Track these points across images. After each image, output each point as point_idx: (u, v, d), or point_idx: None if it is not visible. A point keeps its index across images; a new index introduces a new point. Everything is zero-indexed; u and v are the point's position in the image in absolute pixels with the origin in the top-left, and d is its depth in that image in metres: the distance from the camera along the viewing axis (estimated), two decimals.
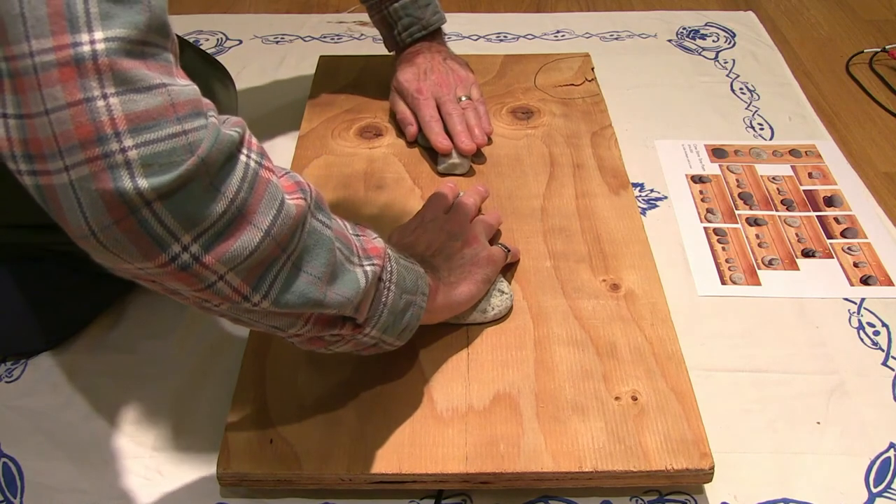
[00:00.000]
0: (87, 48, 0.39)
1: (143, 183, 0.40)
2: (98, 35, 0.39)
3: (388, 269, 0.60)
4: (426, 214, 0.77)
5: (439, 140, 0.91)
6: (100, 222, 0.41)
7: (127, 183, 0.40)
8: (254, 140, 0.49)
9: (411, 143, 0.96)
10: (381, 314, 0.59)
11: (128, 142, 0.40)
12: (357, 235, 0.59)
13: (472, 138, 0.91)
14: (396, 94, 0.97)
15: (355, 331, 0.59)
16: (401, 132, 0.97)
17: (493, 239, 0.80)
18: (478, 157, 0.94)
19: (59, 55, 0.39)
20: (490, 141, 0.96)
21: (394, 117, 0.98)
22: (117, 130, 0.40)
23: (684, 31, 1.30)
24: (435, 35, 0.99)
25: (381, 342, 0.62)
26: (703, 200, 0.95)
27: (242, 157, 0.46)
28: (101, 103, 0.40)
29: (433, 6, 0.97)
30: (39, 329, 0.77)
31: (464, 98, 0.95)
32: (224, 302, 0.49)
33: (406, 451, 0.63)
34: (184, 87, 0.44)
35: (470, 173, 0.91)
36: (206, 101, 0.45)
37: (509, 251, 0.76)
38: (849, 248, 0.89)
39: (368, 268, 0.57)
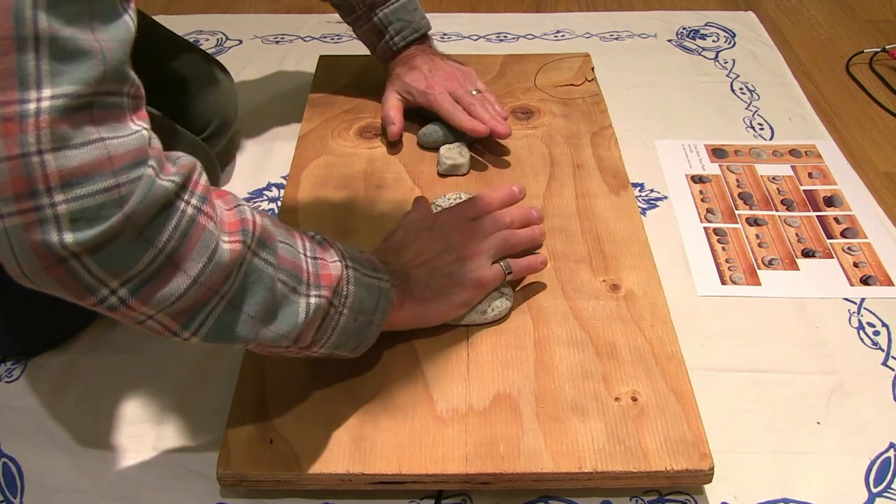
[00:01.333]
0: (32, 106, 0.41)
1: (68, 238, 0.43)
2: (46, 93, 0.41)
3: (343, 293, 0.60)
4: (441, 218, 0.74)
5: (472, 123, 0.91)
6: (31, 268, 0.44)
7: (54, 237, 0.42)
8: (201, 181, 0.50)
9: (393, 144, 0.95)
10: (329, 337, 0.60)
11: (58, 197, 0.42)
12: (314, 259, 0.59)
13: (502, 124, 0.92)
14: (395, 94, 0.96)
15: (302, 350, 0.60)
16: (402, 131, 0.97)
17: (523, 253, 0.76)
18: (497, 153, 0.94)
19: (5, 111, 0.40)
20: None
21: None
22: (49, 185, 0.42)
23: (684, 31, 1.30)
24: (425, 39, 0.98)
25: (333, 355, 0.63)
26: (703, 200, 0.95)
27: (180, 205, 0.48)
28: (35, 159, 0.41)
29: (420, 11, 0.97)
30: (39, 329, 0.77)
31: (474, 92, 0.95)
32: (157, 335, 0.51)
33: (406, 452, 0.63)
34: (128, 136, 0.45)
35: (469, 174, 0.91)
36: (152, 146, 0.47)
37: (510, 273, 0.73)
38: (849, 248, 0.89)
39: (313, 299, 0.57)
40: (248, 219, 0.53)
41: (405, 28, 0.95)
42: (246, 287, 0.52)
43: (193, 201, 0.49)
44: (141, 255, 0.46)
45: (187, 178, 0.48)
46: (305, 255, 0.58)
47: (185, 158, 0.50)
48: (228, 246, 0.51)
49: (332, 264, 0.60)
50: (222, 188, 0.55)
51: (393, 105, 0.96)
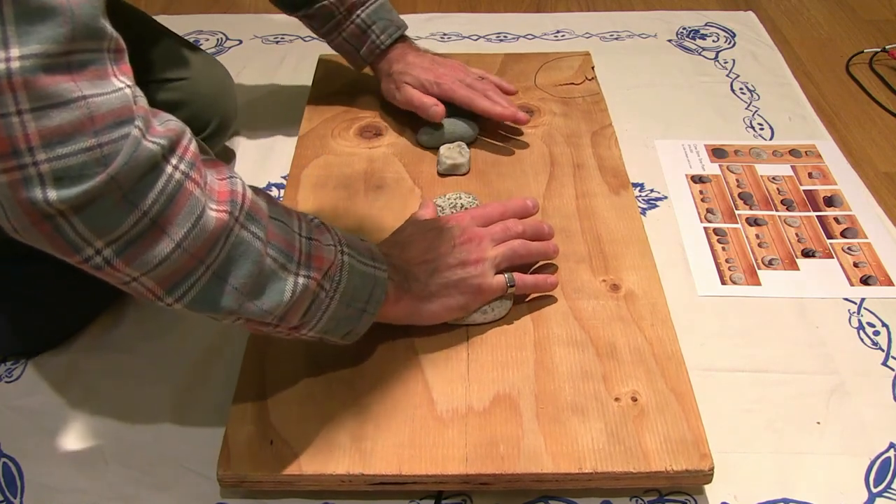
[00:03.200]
0: (1, 66, 0.41)
1: (52, 195, 0.43)
2: (14, 52, 0.41)
3: (336, 278, 0.60)
4: (452, 220, 0.73)
5: (497, 109, 0.92)
6: (20, 223, 0.45)
7: (38, 194, 0.43)
8: (191, 147, 0.51)
9: (422, 139, 0.95)
10: (318, 320, 0.60)
11: (40, 156, 0.43)
12: (309, 239, 0.59)
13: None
14: (409, 87, 0.94)
15: (292, 330, 0.60)
16: (402, 131, 0.97)
17: (526, 267, 0.76)
18: (497, 152, 0.93)
19: None
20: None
21: (395, 116, 0.98)
22: (31, 145, 0.42)
23: (684, 31, 1.30)
24: (406, 37, 0.98)
25: (324, 339, 0.63)
26: (703, 200, 0.95)
27: (168, 169, 0.48)
28: (15, 119, 0.42)
29: (395, 11, 0.96)
30: (39, 329, 0.77)
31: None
32: (142, 297, 0.51)
33: (406, 453, 0.63)
34: (111, 93, 0.45)
35: (469, 174, 0.91)
36: (138, 105, 0.47)
37: (512, 286, 0.71)
38: (849, 248, 0.89)
39: (302, 279, 0.57)
40: (237, 191, 0.54)
41: (389, 26, 0.95)
42: (232, 259, 0.53)
43: (182, 166, 0.49)
44: (125, 216, 0.47)
45: (175, 142, 0.49)
46: (300, 235, 0.58)
47: (173, 122, 0.50)
48: (215, 214, 0.51)
49: (327, 248, 0.60)
50: (217, 160, 0.55)
51: (418, 93, 0.94)
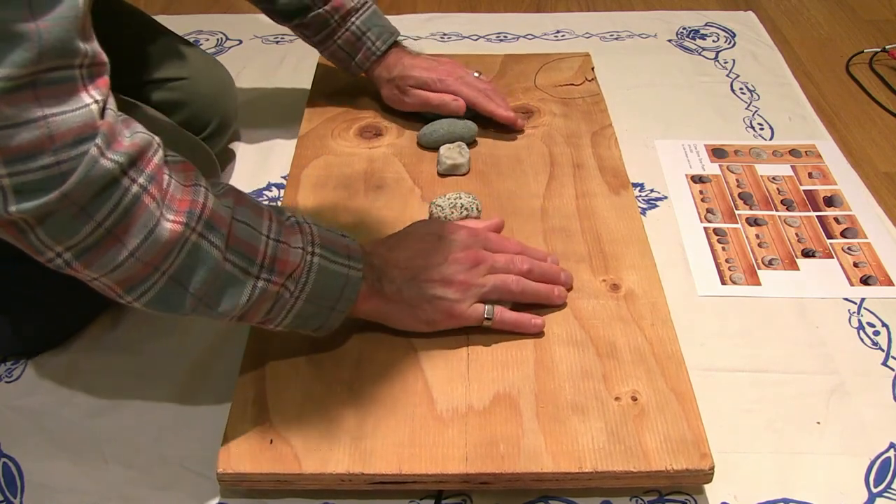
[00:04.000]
0: None
1: (13, 207, 0.47)
2: None
3: (301, 281, 0.61)
4: (459, 233, 0.71)
5: (501, 111, 0.95)
6: None
7: (1, 204, 0.47)
8: (154, 159, 0.52)
9: (422, 139, 0.95)
10: (283, 318, 0.62)
11: (2, 171, 0.46)
12: (276, 242, 0.60)
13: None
14: (417, 90, 0.95)
15: (260, 323, 0.62)
16: (402, 131, 0.97)
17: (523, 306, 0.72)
18: (497, 152, 0.94)
19: None
20: None
21: (395, 116, 0.99)
22: None
23: (684, 31, 1.31)
24: (398, 43, 0.98)
25: (296, 331, 0.65)
26: (703, 200, 0.95)
27: (125, 183, 0.50)
28: None
29: (385, 17, 0.97)
30: (39, 329, 0.77)
31: (476, 74, 0.97)
32: (105, 294, 0.55)
33: (406, 452, 0.63)
34: (75, 111, 0.47)
35: (469, 174, 0.91)
36: (104, 120, 0.49)
37: (490, 319, 0.69)
38: (849, 248, 0.89)
39: (261, 283, 0.59)
40: (198, 200, 0.55)
41: (383, 33, 0.95)
42: (188, 266, 0.55)
43: (140, 180, 0.51)
44: (81, 227, 0.50)
45: (137, 157, 0.51)
46: (268, 237, 0.59)
47: (140, 135, 0.52)
48: (170, 225, 0.53)
49: (294, 250, 0.61)
50: (187, 165, 0.56)
51: (432, 93, 0.94)
